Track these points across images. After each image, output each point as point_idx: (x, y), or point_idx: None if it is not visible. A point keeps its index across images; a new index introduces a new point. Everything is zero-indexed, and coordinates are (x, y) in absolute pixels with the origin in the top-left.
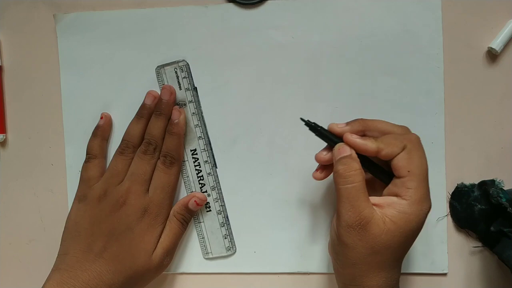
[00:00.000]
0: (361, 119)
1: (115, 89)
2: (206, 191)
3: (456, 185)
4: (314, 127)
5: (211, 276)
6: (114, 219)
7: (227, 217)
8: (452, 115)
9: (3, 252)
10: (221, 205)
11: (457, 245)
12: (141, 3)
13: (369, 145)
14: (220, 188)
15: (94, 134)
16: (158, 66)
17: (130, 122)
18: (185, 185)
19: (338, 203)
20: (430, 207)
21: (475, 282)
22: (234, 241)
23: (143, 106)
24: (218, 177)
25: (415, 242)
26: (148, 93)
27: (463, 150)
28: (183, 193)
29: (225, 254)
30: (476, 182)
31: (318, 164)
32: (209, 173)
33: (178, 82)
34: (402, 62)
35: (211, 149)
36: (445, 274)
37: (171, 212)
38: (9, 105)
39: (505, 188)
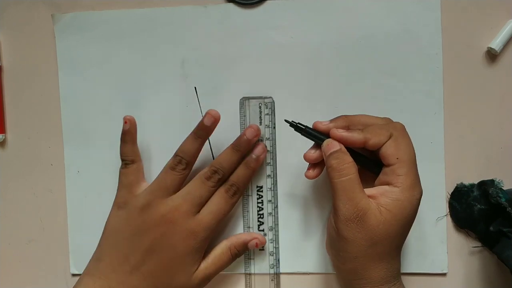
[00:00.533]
0: (344, 115)
1: (114, 89)
2: (263, 230)
3: (455, 185)
4: (299, 127)
5: None
6: (156, 234)
7: (279, 260)
8: (451, 115)
9: (3, 252)
10: (275, 247)
11: (456, 245)
12: (140, 2)
13: (355, 136)
14: (278, 230)
15: (123, 140)
16: (243, 98)
17: (186, 138)
18: (243, 220)
19: (334, 198)
20: (421, 193)
21: (475, 282)
22: (280, 284)
23: (201, 126)
24: (278, 219)
25: (414, 242)
26: (208, 114)
27: (463, 150)
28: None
29: None
30: (476, 182)
31: (308, 163)
32: (270, 213)
33: (260, 117)
34: (402, 62)
35: (277, 189)
36: (444, 274)
37: (227, 243)
38: (8, 105)
39: (504, 188)
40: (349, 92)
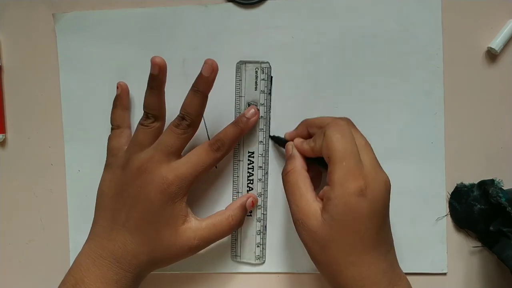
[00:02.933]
0: (305, 119)
1: (115, 89)
2: None
3: (455, 185)
4: (272, 137)
5: (210, 275)
6: (134, 187)
7: (265, 226)
8: (451, 115)
9: (3, 252)
10: (263, 213)
11: (456, 245)
12: (141, 2)
13: (304, 146)
14: (267, 197)
15: (114, 105)
16: (240, 61)
17: (187, 96)
18: (233, 184)
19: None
20: (360, 186)
21: (475, 282)
22: (265, 252)
23: (200, 77)
24: (267, 185)
25: (414, 242)
26: (206, 63)
27: (463, 150)
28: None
29: (253, 262)
30: (476, 182)
31: None
32: (260, 179)
33: (256, 82)
34: (402, 62)
35: (269, 157)
36: (444, 274)
37: (225, 211)
38: (8, 105)
39: (504, 188)
40: (349, 91)
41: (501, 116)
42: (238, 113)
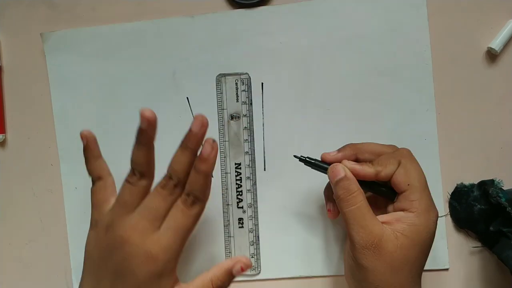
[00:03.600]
0: (351, 144)
1: (106, 104)
2: (242, 207)
3: (455, 185)
4: (308, 161)
5: None
6: (118, 258)
7: (258, 237)
8: (452, 115)
9: (3, 252)
10: (255, 224)
11: (456, 245)
12: (139, 14)
13: (367, 170)
14: (257, 207)
15: (85, 157)
16: (219, 74)
17: (175, 153)
18: (222, 197)
19: (348, 227)
20: (437, 215)
21: (475, 282)
22: (260, 262)
23: (190, 134)
24: (257, 195)
25: None
26: (196, 118)
27: (463, 150)
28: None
29: (249, 273)
30: (476, 182)
31: (326, 204)
32: (248, 190)
33: (237, 94)
34: (391, 61)
35: (255, 167)
36: (446, 269)
37: (208, 274)
38: (8, 105)
39: (504, 188)
40: (340, 93)
41: (501, 116)
42: (222, 126)
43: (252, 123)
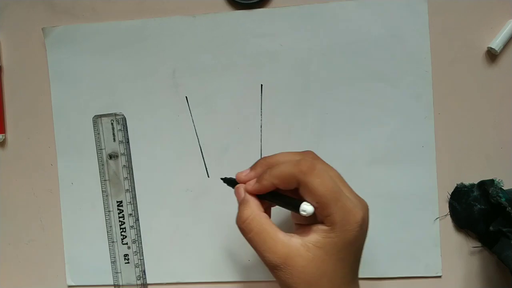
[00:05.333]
0: (263, 158)
1: (106, 101)
2: (127, 243)
3: (455, 185)
4: (226, 180)
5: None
6: None
7: (144, 271)
8: (451, 115)
9: (3, 252)
10: (140, 259)
11: (456, 245)
12: (141, 11)
13: (265, 185)
14: (141, 242)
15: None
16: (95, 116)
17: None
18: (107, 235)
19: (255, 251)
20: (357, 220)
21: (475, 282)
22: None
23: None
24: (140, 231)
25: (408, 246)
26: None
27: (463, 150)
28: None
29: None
30: (476, 182)
31: None
32: (131, 226)
33: (113, 133)
34: (391, 67)
35: (137, 203)
36: (439, 277)
37: None
38: (8, 105)
39: (504, 188)
40: (339, 98)
41: (501, 116)
42: (101, 166)
43: (131, 160)
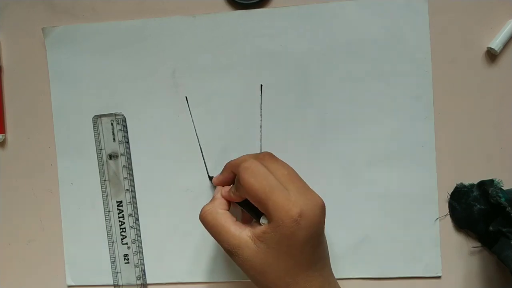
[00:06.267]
0: (229, 162)
1: (106, 101)
2: (126, 243)
3: (455, 185)
4: (210, 178)
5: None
6: None
7: (144, 271)
8: (451, 115)
9: (3, 252)
10: (140, 259)
11: (456, 245)
12: (139, 10)
13: (231, 196)
14: (141, 242)
15: None
16: (95, 116)
17: None
18: (107, 235)
19: None
20: (293, 215)
21: (474, 282)
22: None
23: None
24: (140, 231)
25: (407, 246)
26: None
27: (463, 150)
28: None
29: None
30: (476, 182)
31: None
32: (131, 226)
33: (113, 133)
34: (391, 67)
35: (136, 203)
36: (439, 277)
37: None
38: (8, 105)
39: (504, 188)
40: (339, 98)
41: (501, 116)
42: (101, 166)
43: (131, 161)
